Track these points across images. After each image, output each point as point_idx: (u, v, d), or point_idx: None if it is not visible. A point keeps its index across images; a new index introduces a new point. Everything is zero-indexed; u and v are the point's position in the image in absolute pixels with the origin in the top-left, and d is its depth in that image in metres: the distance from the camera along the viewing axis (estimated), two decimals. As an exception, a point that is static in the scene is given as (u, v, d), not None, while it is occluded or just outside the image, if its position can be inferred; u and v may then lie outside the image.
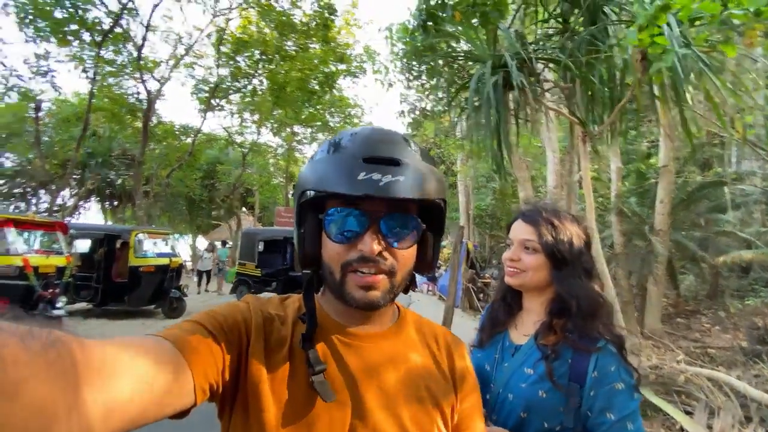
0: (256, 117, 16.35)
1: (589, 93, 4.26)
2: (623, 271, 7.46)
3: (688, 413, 3.23)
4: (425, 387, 0.62)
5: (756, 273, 8.91)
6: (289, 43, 12.81)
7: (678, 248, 8.03)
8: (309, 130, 18.64)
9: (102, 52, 10.21)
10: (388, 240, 0.56)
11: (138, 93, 12.10)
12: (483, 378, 1.00)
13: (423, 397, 0.61)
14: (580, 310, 0.91)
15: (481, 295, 10.61)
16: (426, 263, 0.63)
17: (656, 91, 3.57)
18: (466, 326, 7.50)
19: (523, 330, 1.00)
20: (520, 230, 1.01)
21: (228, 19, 12.27)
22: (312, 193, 0.56)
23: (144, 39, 10.76)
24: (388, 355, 0.62)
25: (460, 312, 9.08)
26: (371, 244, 0.54)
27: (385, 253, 0.56)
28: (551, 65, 4.70)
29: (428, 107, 10.94)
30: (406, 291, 0.64)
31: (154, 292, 7.46)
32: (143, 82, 11.28)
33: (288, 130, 18.08)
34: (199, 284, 12.01)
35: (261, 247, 10.13)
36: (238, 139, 18.02)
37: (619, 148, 7.33)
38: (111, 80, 11.90)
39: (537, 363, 0.91)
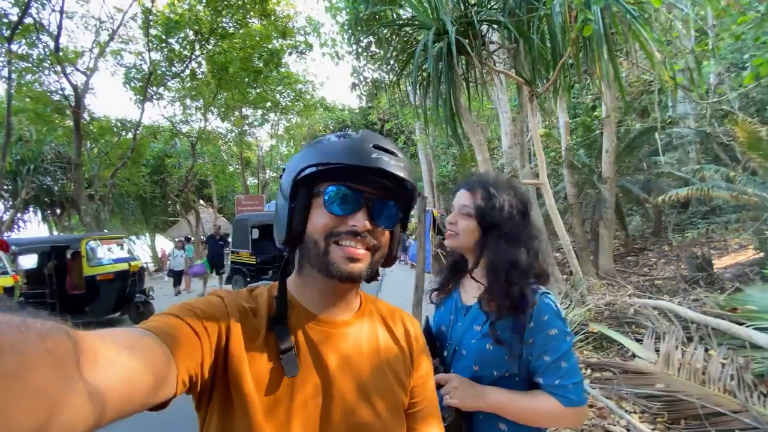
0: (199, 103, 15.42)
1: (532, 52, 4.35)
2: (578, 220, 7.94)
3: (638, 341, 3.60)
4: (387, 363, 0.69)
5: (694, 207, 9.75)
6: (225, 19, 11.99)
7: (624, 192, 8.60)
8: (259, 111, 17.87)
9: (13, 47, 9.13)
10: (374, 221, 0.63)
11: (62, 89, 10.98)
12: (442, 338, 1.10)
13: (386, 373, 0.68)
14: (497, 269, 1.00)
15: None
16: (390, 256, 0.70)
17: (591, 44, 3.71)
18: (439, 290, 7.79)
19: (472, 292, 1.09)
20: (460, 197, 1.10)
21: (153, -2, 11.24)
22: (320, 168, 0.61)
23: (60, 27, 9.68)
24: (355, 339, 0.67)
25: (431, 276, 9.37)
26: (363, 221, 0.61)
27: (370, 232, 0.63)
28: (495, 26, 4.73)
29: (379, 78, 10.74)
30: (369, 281, 0.68)
31: (118, 299, 7.11)
32: (66, 75, 10.24)
33: (237, 113, 17.23)
34: (175, 285, 11.19)
35: (255, 233, 9.64)
36: (184, 128, 16.99)
37: (565, 103, 7.60)
38: (29, 77, 10.71)
39: (485, 320, 1.00)
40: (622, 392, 2.82)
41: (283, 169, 0.67)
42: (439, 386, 0.98)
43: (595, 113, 9.00)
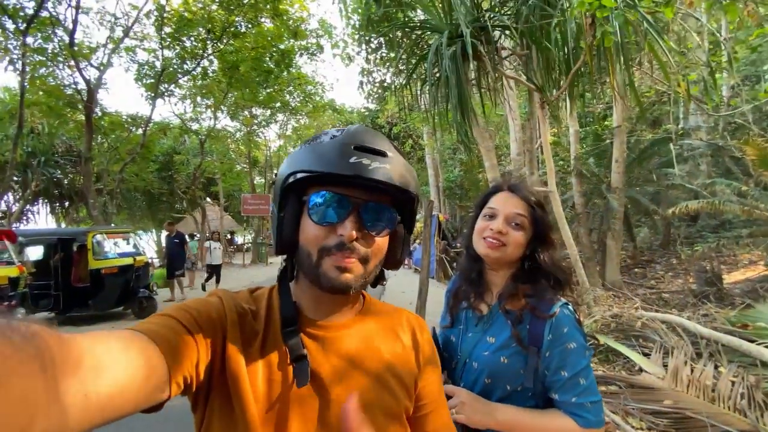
0: (210, 101, 15.53)
1: (545, 59, 4.31)
2: (585, 229, 7.86)
3: (645, 355, 3.52)
4: (390, 370, 0.65)
5: (703, 221, 9.63)
6: (238, 18, 12.08)
7: (633, 203, 8.51)
8: (268, 111, 17.97)
9: (29, 40, 9.26)
10: (366, 227, 0.59)
11: (76, 83, 11.12)
12: (450, 349, 1.05)
13: (388, 381, 0.64)
14: (558, 282, 0.96)
15: (454, 265, 10.93)
16: (395, 259, 0.66)
17: (606, 53, 3.66)
18: (441, 295, 7.77)
19: (487, 300, 1.03)
20: (511, 203, 0.99)
21: (167, -4, 11.36)
22: (300, 175, 0.58)
23: (75, 22, 9.82)
24: (355, 343, 0.65)
25: (435, 282, 9.33)
26: (350, 230, 0.57)
27: (362, 240, 0.59)
28: (507, 32, 4.70)
29: (388, 80, 10.74)
30: (374, 285, 0.66)
31: (121, 293, 7.15)
32: (80, 70, 10.36)
33: (246, 112, 17.33)
34: (208, 280, 10.06)
35: None
36: (194, 126, 17.12)
37: (576, 111, 7.54)
38: (43, 71, 10.85)
39: (498, 331, 0.96)
40: (628, 407, 2.75)
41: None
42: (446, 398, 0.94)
43: (606, 122, 8.93)
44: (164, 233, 9.49)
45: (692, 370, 2.99)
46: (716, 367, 3.00)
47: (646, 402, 2.77)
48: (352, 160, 0.56)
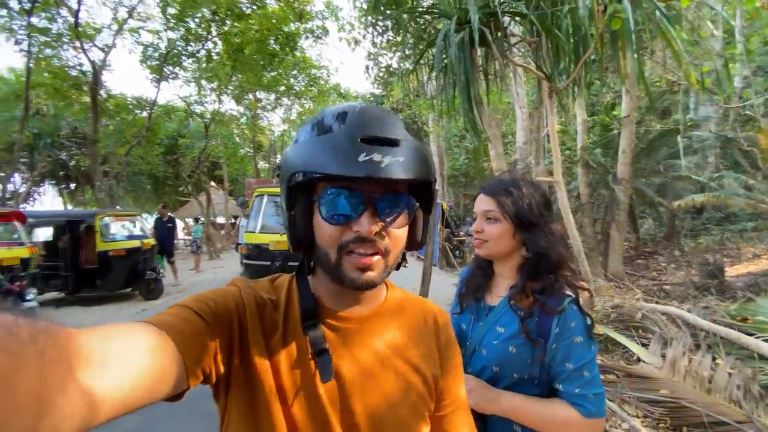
0: (214, 84, 15.43)
1: (555, 47, 4.24)
2: (589, 220, 7.85)
3: (644, 345, 3.57)
4: (413, 366, 0.65)
5: (708, 213, 9.57)
6: (243, 0, 11.90)
7: (638, 194, 8.46)
8: (273, 95, 17.83)
9: (33, 20, 9.19)
10: (383, 220, 0.56)
11: (81, 64, 11.07)
12: (460, 337, 1.09)
13: (411, 376, 0.64)
14: (552, 263, 0.99)
15: (457, 252, 10.98)
16: (415, 241, 0.64)
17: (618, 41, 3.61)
18: (444, 282, 7.85)
19: (497, 292, 1.08)
20: (482, 203, 1.07)
21: (172, -24, 11.18)
22: (302, 175, 0.55)
23: (79, 2, 9.71)
24: (378, 336, 0.64)
25: (438, 270, 9.39)
26: (368, 225, 0.54)
27: (380, 234, 0.56)
28: (517, 18, 4.62)
29: (395, 65, 10.60)
30: (398, 268, 0.64)
31: (129, 275, 7.29)
32: (84, 51, 10.31)
33: (250, 96, 17.21)
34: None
35: None
36: (198, 109, 17.05)
37: (584, 100, 7.44)
38: (48, 52, 10.79)
39: (508, 322, 0.99)
40: (625, 395, 2.81)
41: (278, 167, 0.61)
42: None
43: (614, 112, 8.81)
44: (179, 220, 9.31)
45: (690, 361, 3.03)
46: (714, 359, 3.04)
47: (642, 391, 2.83)
48: (362, 158, 0.51)
